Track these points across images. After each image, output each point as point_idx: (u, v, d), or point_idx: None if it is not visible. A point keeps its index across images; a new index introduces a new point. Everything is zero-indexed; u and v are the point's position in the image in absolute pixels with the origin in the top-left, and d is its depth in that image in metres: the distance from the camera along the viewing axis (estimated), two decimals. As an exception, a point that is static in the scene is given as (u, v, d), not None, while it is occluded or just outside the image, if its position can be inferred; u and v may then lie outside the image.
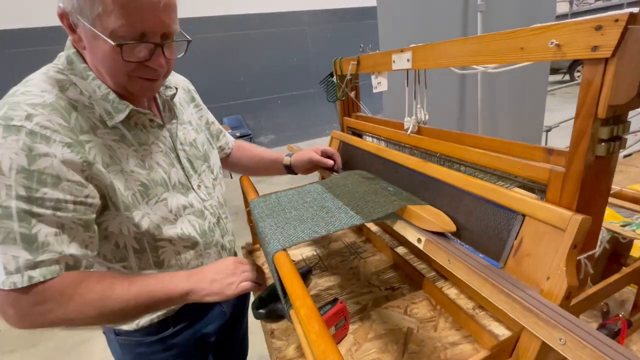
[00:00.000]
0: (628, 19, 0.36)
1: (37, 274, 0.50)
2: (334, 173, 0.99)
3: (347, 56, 1.02)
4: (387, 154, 0.86)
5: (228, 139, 1.02)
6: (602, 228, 0.61)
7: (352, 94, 1.11)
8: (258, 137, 5.93)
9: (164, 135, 0.70)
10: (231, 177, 4.21)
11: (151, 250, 0.66)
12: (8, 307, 0.51)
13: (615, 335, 0.56)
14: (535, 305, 0.42)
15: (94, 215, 0.57)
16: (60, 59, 0.61)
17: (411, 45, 0.71)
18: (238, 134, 5.23)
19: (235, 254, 0.91)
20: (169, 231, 0.66)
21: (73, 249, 0.54)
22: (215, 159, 0.84)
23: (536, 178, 0.52)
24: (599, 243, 0.53)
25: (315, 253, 1.05)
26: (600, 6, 8.36)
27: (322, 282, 0.90)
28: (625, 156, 1.61)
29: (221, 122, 3.25)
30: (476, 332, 0.66)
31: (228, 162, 1.04)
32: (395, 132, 0.89)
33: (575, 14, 8.09)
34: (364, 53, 0.95)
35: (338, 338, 0.69)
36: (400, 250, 0.97)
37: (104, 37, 0.52)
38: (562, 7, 8.19)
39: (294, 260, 0.73)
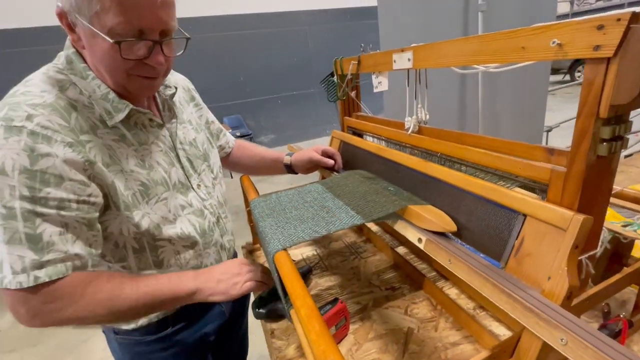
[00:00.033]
0: (630, 18, 0.36)
1: (43, 274, 0.51)
2: (335, 173, 0.99)
3: (347, 56, 1.02)
4: (387, 154, 0.85)
5: (228, 138, 1.02)
6: (604, 228, 0.61)
7: (353, 94, 1.11)
8: (258, 136, 5.93)
9: (163, 134, 0.70)
10: (231, 177, 4.21)
11: (150, 250, 0.66)
12: (19, 306, 0.52)
13: (616, 335, 0.56)
14: (536, 306, 0.42)
15: (97, 214, 0.58)
16: (60, 59, 0.60)
17: (412, 45, 0.70)
18: (238, 134, 5.22)
19: (235, 254, 0.91)
20: (169, 231, 0.66)
21: (77, 248, 0.54)
22: (215, 158, 0.84)
23: (537, 178, 0.52)
24: (600, 243, 0.53)
25: (315, 253, 1.04)
26: (601, 6, 8.35)
27: (323, 282, 0.90)
28: (627, 156, 1.61)
29: (221, 122, 3.24)
30: (477, 332, 0.66)
31: (228, 162, 1.04)
32: (396, 132, 0.88)
33: (575, 14, 8.07)
34: (365, 52, 0.95)
35: (338, 338, 0.69)
36: (401, 250, 0.97)
37: (102, 34, 0.52)
38: (563, 7, 8.17)
39: (294, 260, 0.72)
